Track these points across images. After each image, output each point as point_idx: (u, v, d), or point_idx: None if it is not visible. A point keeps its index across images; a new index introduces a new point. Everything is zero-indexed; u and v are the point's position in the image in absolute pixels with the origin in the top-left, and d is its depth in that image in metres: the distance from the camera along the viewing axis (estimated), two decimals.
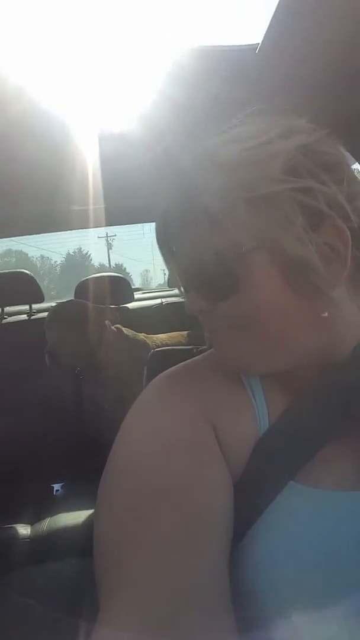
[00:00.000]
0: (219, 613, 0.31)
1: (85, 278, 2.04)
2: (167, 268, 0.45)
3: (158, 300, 2.09)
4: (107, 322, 1.54)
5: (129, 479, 0.37)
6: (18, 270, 2.00)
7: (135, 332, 1.60)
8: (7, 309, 2.02)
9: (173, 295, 2.20)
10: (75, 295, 1.96)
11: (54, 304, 2.09)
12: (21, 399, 1.66)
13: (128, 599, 0.31)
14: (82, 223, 1.42)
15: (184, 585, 0.31)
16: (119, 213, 1.43)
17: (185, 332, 1.64)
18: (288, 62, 0.69)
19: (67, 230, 1.74)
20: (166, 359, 0.68)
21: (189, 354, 0.70)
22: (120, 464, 0.39)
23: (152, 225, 0.47)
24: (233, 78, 0.72)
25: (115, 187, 1.05)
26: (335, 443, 0.39)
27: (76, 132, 0.87)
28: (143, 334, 1.62)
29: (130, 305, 1.99)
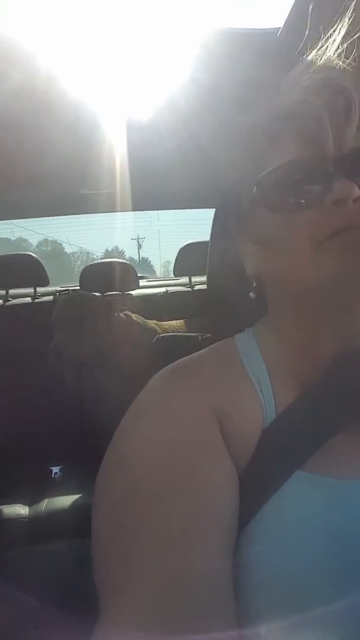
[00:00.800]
0: (221, 609, 0.31)
1: (90, 263, 2.03)
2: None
3: (163, 289, 2.08)
4: (117, 312, 1.54)
5: (130, 473, 0.37)
6: (23, 252, 1.99)
7: (144, 319, 1.59)
8: (12, 291, 2.02)
9: (177, 284, 2.20)
10: (81, 280, 1.96)
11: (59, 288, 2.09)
12: (23, 381, 1.66)
13: (130, 597, 0.30)
14: (109, 207, 1.43)
15: (187, 582, 0.30)
16: (145, 198, 1.43)
17: (196, 319, 1.63)
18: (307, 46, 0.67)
19: (92, 212, 1.76)
20: (171, 345, 0.68)
21: (193, 341, 0.70)
22: (122, 458, 0.39)
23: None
24: (259, 61, 0.70)
25: (141, 173, 1.06)
26: (343, 433, 0.39)
27: (104, 120, 0.89)
28: (154, 320, 1.61)
29: (137, 292, 1.99)
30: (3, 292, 1.99)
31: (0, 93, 0.80)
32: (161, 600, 0.30)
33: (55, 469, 1.68)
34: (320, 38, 0.42)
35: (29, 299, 1.98)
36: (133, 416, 0.42)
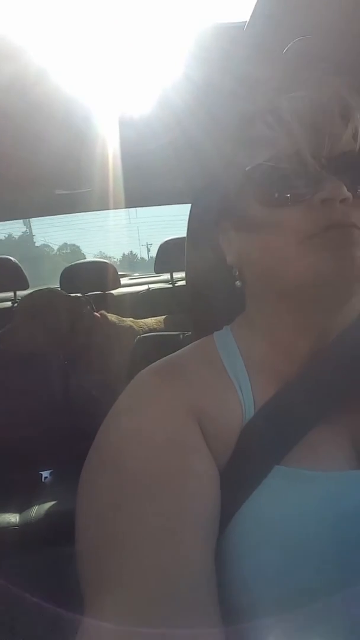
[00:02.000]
0: (205, 606, 0.31)
1: (71, 264, 2.01)
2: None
3: (145, 286, 2.08)
4: (88, 308, 1.52)
5: (112, 474, 0.37)
6: (2, 256, 1.96)
7: (121, 318, 1.59)
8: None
9: (159, 281, 2.19)
10: (61, 281, 1.94)
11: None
12: (8, 386, 1.64)
13: (113, 595, 0.30)
14: (102, 204, 1.45)
15: (170, 581, 0.31)
16: (138, 195, 1.42)
17: (176, 315, 1.63)
18: (274, 39, 0.67)
19: (85, 211, 1.74)
20: (152, 345, 0.68)
21: (174, 340, 0.70)
22: (103, 460, 0.39)
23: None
24: (253, 55, 0.70)
25: (134, 169, 1.05)
26: (320, 426, 0.39)
27: (97, 116, 0.88)
28: (130, 319, 1.61)
29: (119, 291, 1.98)
30: None
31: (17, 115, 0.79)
32: (145, 598, 0.30)
33: (45, 473, 1.66)
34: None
35: (9, 303, 1.95)
36: (114, 417, 0.42)
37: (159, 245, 2.04)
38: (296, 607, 0.32)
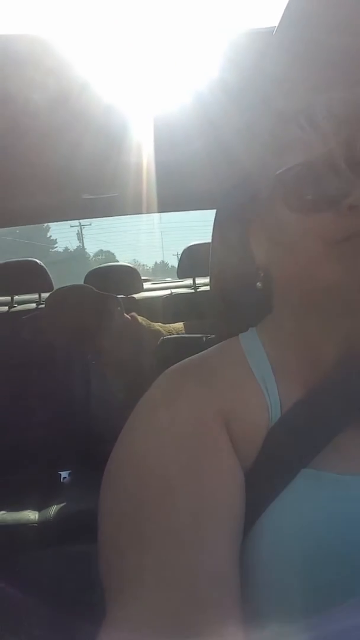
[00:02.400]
0: (228, 608, 0.30)
1: (95, 267, 2.04)
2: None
3: (167, 291, 2.09)
4: (118, 309, 1.53)
5: (136, 472, 0.37)
6: (28, 259, 2.01)
7: (149, 322, 1.60)
8: (17, 298, 2.03)
9: (181, 287, 2.20)
10: (85, 283, 1.97)
11: None
12: (30, 387, 1.67)
13: (136, 596, 0.30)
14: (136, 209, 1.48)
15: (193, 581, 0.30)
16: (171, 200, 1.45)
17: (197, 321, 1.63)
18: (306, 41, 0.67)
19: (119, 215, 1.83)
20: (175, 346, 0.68)
21: (198, 342, 0.70)
22: (127, 457, 0.39)
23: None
24: (285, 58, 0.69)
25: (168, 175, 1.07)
26: (349, 430, 0.39)
27: (133, 123, 0.92)
28: (159, 323, 1.61)
29: (141, 295, 1.99)
30: (8, 298, 2.01)
31: (35, 102, 0.82)
32: (167, 598, 0.30)
33: (64, 474, 1.68)
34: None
35: (33, 305, 1.99)
36: (139, 416, 0.42)
37: (182, 251, 2.05)
38: (319, 610, 0.31)
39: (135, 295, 1.97)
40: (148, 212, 1.55)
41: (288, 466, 0.37)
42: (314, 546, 0.34)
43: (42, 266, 1.94)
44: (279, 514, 0.36)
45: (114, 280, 1.90)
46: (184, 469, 0.36)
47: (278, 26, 0.66)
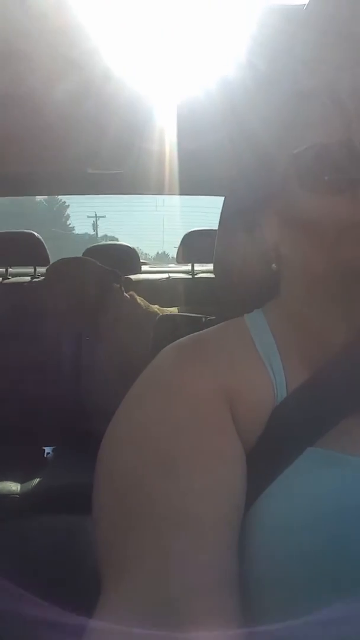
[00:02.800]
0: (225, 596, 0.30)
1: (93, 245, 2.01)
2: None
3: (165, 275, 2.07)
4: (118, 285, 1.52)
5: (133, 451, 0.36)
6: (25, 230, 1.97)
7: (148, 303, 1.58)
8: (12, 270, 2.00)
9: (179, 272, 2.19)
10: None
11: None
12: (18, 360, 1.66)
13: (131, 575, 0.30)
14: (158, 189, 1.49)
15: (191, 566, 0.30)
16: (191, 183, 1.45)
17: (195, 306, 1.63)
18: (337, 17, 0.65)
19: (142, 194, 1.86)
20: (174, 324, 0.67)
21: (197, 322, 0.69)
22: (124, 437, 0.38)
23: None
24: (315, 36, 0.67)
25: (191, 158, 1.07)
26: (357, 413, 0.38)
27: (157, 110, 0.92)
28: (157, 305, 1.60)
29: (138, 277, 1.98)
30: (3, 270, 1.98)
31: (60, 92, 0.82)
32: (163, 580, 0.29)
33: (47, 449, 1.68)
34: None
35: (28, 278, 1.96)
36: (138, 393, 0.41)
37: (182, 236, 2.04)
38: (323, 597, 0.31)
39: (133, 277, 1.96)
40: (170, 194, 1.56)
41: (293, 445, 0.37)
42: (318, 524, 0.33)
43: (39, 238, 1.91)
44: (282, 492, 0.35)
45: (112, 258, 1.87)
46: (182, 449, 0.35)
47: (308, 3, 0.64)
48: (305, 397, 0.39)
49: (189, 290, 1.88)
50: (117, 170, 1.44)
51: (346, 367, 0.40)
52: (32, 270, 1.98)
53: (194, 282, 2.00)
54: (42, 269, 1.99)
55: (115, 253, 1.89)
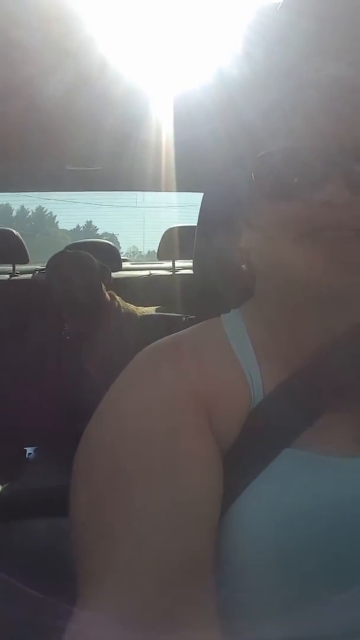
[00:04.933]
0: (202, 597, 0.30)
1: (74, 242, 1.98)
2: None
3: (146, 272, 2.06)
4: (105, 284, 1.50)
5: (108, 457, 0.36)
6: (3, 228, 1.93)
7: (124, 302, 1.57)
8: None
9: (160, 268, 2.18)
10: None
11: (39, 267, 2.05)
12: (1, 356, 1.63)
13: (108, 584, 0.30)
14: (155, 186, 1.47)
15: (166, 569, 0.30)
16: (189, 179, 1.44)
17: (175, 305, 1.63)
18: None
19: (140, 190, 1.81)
20: (154, 324, 0.67)
21: (177, 321, 0.69)
22: (99, 442, 0.38)
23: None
24: (319, 29, 0.66)
25: (187, 153, 1.05)
26: (333, 413, 0.39)
27: (153, 101, 0.90)
28: (132, 306, 1.59)
29: (119, 274, 1.96)
30: None
31: (54, 84, 0.80)
32: (140, 585, 0.29)
33: (29, 450, 1.66)
34: None
35: (6, 276, 1.93)
36: (114, 396, 0.41)
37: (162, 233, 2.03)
38: (300, 593, 0.31)
39: (113, 274, 1.94)
40: (167, 190, 1.55)
41: (270, 446, 0.37)
42: (295, 525, 0.34)
43: (17, 236, 1.88)
44: (260, 493, 0.36)
45: (93, 255, 1.85)
46: (156, 455, 0.35)
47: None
48: (281, 399, 0.39)
49: (171, 287, 1.87)
50: (97, 167, 1.43)
51: (320, 368, 0.40)
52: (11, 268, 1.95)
53: (175, 278, 2.00)
54: (21, 267, 1.96)
55: (94, 250, 1.86)
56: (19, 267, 1.95)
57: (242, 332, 0.44)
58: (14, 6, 0.63)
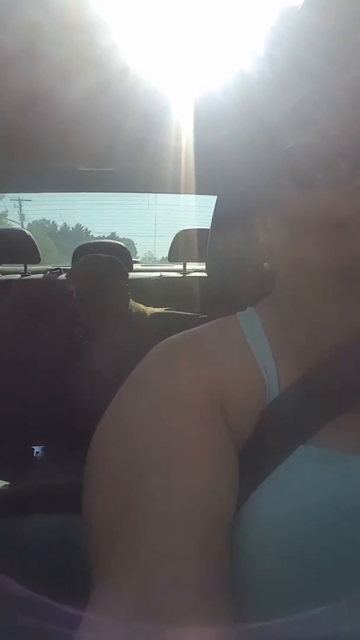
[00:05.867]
0: (217, 594, 0.30)
1: (85, 242, 2.00)
2: None
3: (157, 274, 2.07)
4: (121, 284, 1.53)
5: (124, 449, 0.36)
6: (15, 228, 1.96)
7: (134, 301, 1.58)
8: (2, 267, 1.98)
9: (172, 270, 2.19)
10: (73, 259, 1.93)
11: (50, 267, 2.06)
12: (8, 357, 1.64)
13: (122, 575, 0.30)
14: (174, 188, 1.48)
15: (182, 566, 0.30)
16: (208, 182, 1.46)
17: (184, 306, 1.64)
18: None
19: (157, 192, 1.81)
20: (167, 322, 0.67)
21: (190, 319, 0.69)
22: (115, 434, 0.38)
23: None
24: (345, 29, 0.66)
25: (207, 157, 1.06)
26: (349, 411, 0.38)
27: (174, 105, 0.91)
28: (142, 305, 1.60)
29: (132, 275, 1.97)
30: None
31: (76, 90, 0.82)
32: (157, 582, 0.29)
33: (37, 448, 1.67)
34: None
35: (18, 276, 1.95)
36: (129, 389, 0.40)
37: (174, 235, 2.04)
38: (316, 589, 0.31)
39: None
40: (185, 193, 1.56)
41: (285, 443, 0.37)
42: (311, 523, 0.34)
43: (29, 236, 1.90)
44: (274, 490, 0.35)
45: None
46: (174, 447, 0.35)
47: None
48: (297, 396, 0.39)
49: (181, 289, 1.87)
50: (111, 169, 1.45)
51: (339, 365, 0.40)
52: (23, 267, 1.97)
53: (185, 280, 2.00)
54: (32, 267, 1.98)
55: (106, 252, 1.88)
56: (30, 267, 1.97)
57: (258, 329, 0.44)
58: (41, 17, 0.64)
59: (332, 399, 0.39)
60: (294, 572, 0.33)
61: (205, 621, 0.28)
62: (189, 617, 0.28)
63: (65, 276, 1.56)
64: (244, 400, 0.39)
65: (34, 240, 1.91)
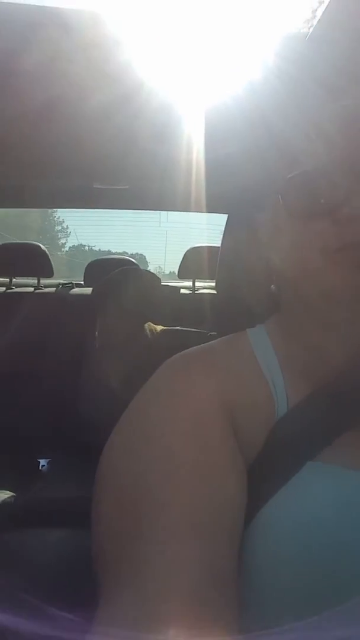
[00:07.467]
0: (224, 606, 0.30)
1: (95, 259, 2.03)
2: None
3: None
4: None
5: (135, 460, 0.36)
6: (30, 242, 2.00)
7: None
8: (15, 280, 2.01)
9: (181, 287, 2.20)
10: (85, 275, 1.96)
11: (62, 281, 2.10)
12: (18, 370, 1.65)
13: (132, 585, 0.30)
14: (185, 207, 1.52)
15: (191, 574, 0.30)
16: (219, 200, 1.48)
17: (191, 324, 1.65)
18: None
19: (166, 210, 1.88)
20: (176, 338, 0.68)
21: (199, 336, 0.70)
22: (127, 445, 0.38)
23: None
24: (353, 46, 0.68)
25: (218, 174, 1.08)
26: (356, 428, 0.39)
27: (187, 119, 0.92)
28: (149, 322, 1.62)
29: None
30: (7, 279, 1.99)
31: (91, 106, 0.84)
32: (164, 592, 0.29)
33: (42, 461, 1.66)
34: None
35: (31, 289, 1.98)
36: (142, 400, 0.41)
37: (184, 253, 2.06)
38: (325, 602, 0.31)
39: None
40: (196, 211, 1.57)
41: (293, 459, 0.37)
42: (318, 539, 0.34)
43: (44, 250, 1.93)
44: (283, 505, 0.36)
45: None
46: (185, 459, 0.35)
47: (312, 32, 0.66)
48: (305, 412, 0.40)
49: (190, 306, 1.88)
50: (125, 186, 1.48)
51: (346, 382, 0.40)
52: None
53: (194, 297, 2.01)
54: (45, 280, 2.01)
55: (116, 268, 1.90)
56: (43, 281, 2.00)
57: (267, 346, 0.45)
58: (60, 35, 0.67)
59: (339, 415, 0.39)
60: (303, 587, 0.33)
61: (214, 633, 0.28)
62: (198, 628, 0.28)
63: (101, 285, 1.58)
64: (253, 415, 0.40)
65: (48, 253, 1.95)
